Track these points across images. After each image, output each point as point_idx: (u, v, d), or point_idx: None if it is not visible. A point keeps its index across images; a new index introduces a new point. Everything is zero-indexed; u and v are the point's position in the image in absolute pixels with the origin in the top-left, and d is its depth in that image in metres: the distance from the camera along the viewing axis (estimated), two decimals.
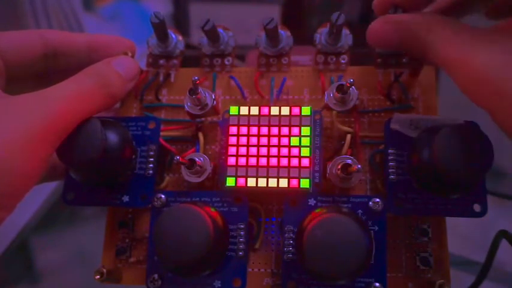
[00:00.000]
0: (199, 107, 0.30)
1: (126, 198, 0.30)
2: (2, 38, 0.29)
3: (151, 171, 0.30)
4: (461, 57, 0.23)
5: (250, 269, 0.29)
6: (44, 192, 0.59)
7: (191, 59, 0.35)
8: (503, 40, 0.23)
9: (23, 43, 0.30)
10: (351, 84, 0.27)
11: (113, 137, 0.28)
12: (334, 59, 0.32)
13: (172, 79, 0.34)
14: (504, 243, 0.29)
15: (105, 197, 0.30)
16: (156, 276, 0.28)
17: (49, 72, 0.32)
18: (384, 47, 0.30)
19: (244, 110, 0.29)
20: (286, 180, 0.28)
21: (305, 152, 0.28)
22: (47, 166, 0.25)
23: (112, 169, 0.28)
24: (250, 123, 0.29)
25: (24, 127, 0.23)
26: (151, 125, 0.31)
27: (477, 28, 0.24)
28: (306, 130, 0.28)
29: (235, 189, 0.28)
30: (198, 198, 0.29)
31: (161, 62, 0.34)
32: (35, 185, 0.25)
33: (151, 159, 0.30)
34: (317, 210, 0.27)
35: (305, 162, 0.28)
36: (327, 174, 0.28)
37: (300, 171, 0.28)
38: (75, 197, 0.30)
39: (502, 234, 0.29)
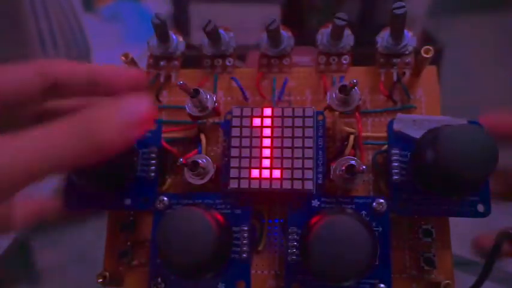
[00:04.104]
0: (200, 109, 0.29)
1: (128, 202, 0.29)
2: None
3: (153, 174, 0.30)
4: None
5: (253, 271, 0.29)
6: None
7: (192, 59, 0.35)
8: None
9: (19, 78, 0.27)
10: (354, 84, 0.27)
11: None
12: (336, 60, 0.32)
13: (173, 80, 0.34)
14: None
15: (107, 201, 0.30)
16: (159, 279, 0.28)
17: (50, 106, 0.30)
18: None
19: (246, 111, 0.29)
20: (290, 181, 0.28)
21: (308, 153, 0.28)
22: None
23: (113, 172, 0.28)
24: (253, 125, 0.29)
25: None
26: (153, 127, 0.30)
27: None
28: (309, 131, 0.28)
29: (238, 191, 0.28)
30: (200, 200, 0.29)
31: (162, 63, 0.34)
32: None
33: (153, 161, 0.30)
34: (321, 212, 0.27)
35: (308, 163, 0.28)
36: (331, 175, 0.28)
37: (303, 173, 0.28)
38: (76, 202, 0.30)
39: (504, 235, 0.29)
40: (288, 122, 0.29)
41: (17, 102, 0.27)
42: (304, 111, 0.29)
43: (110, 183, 0.29)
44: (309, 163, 0.28)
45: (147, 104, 0.25)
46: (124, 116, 0.24)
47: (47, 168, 0.22)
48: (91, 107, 0.24)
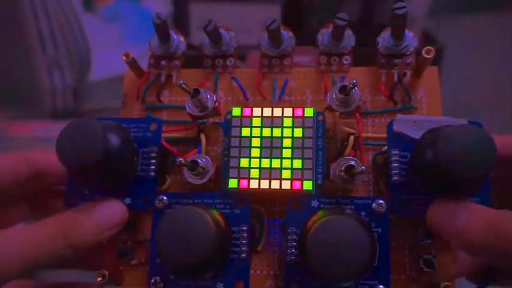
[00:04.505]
0: (200, 109, 0.29)
1: (128, 201, 0.29)
2: None
3: (153, 173, 0.30)
4: None
5: (252, 271, 0.29)
6: None
7: (193, 59, 0.35)
8: None
9: (6, 168, 0.29)
10: (354, 85, 0.27)
11: (113, 138, 0.27)
12: (337, 60, 0.32)
13: (174, 80, 0.33)
14: None
15: None
16: (158, 278, 0.28)
17: (39, 192, 0.32)
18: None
19: (246, 112, 0.29)
20: (289, 182, 0.28)
21: (308, 153, 0.28)
22: None
23: (113, 171, 0.28)
24: (253, 125, 0.29)
25: None
26: (153, 127, 0.30)
27: None
28: (308, 131, 0.28)
29: (237, 191, 0.28)
30: (200, 200, 0.29)
31: (163, 63, 0.34)
32: None
33: (153, 161, 0.30)
34: (320, 212, 0.27)
35: (308, 163, 0.28)
36: (330, 176, 0.28)
37: (302, 173, 0.28)
38: (77, 201, 0.30)
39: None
40: (288, 122, 0.29)
41: (6, 189, 0.29)
42: (304, 111, 0.29)
43: (110, 183, 0.29)
44: (308, 163, 0.28)
45: (119, 209, 0.29)
46: (97, 221, 0.27)
47: (28, 266, 0.25)
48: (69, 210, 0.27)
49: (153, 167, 0.30)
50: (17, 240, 0.25)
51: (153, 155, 0.30)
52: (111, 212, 0.28)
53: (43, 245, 0.25)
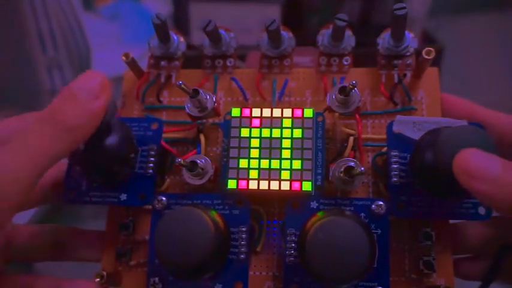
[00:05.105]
0: (199, 109, 0.29)
1: (123, 197, 0.29)
2: None
3: (151, 171, 0.30)
4: None
5: (251, 272, 0.29)
6: None
7: (193, 60, 0.35)
8: None
9: None
10: (354, 86, 0.27)
11: (113, 135, 0.28)
12: (337, 61, 0.32)
13: (173, 81, 0.33)
14: None
15: (104, 196, 0.30)
16: (156, 279, 0.28)
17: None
18: None
19: (246, 112, 0.29)
20: (288, 182, 0.28)
21: (307, 154, 0.28)
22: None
23: (111, 167, 0.28)
24: (252, 125, 0.29)
25: None
26: (154, 126, 0.30)
27: None
28: (308, 132, 0.28)
29: (236, 192, 0.28)
30: (199, 201, 0.29)
31: (162, 63, 0.34)
32: None
33: (152, 158, 0.30)
34: (319, 213, 0.27)
35: (307, 164, 0.28)
36: (330, 177, 0.27)
37: (302, 174, 0.28)
38: (75, 196, 0.30)
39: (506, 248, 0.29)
40: (288, 123, 0.29)
41: None
42: (303, 112, 0.29)
43: (107, 178, 0.29)
44: (308, 164, 0.28)
45: (95, 76, 0.26)
46: (81, 97, 0.25)
47: (44, 164, 0.24)
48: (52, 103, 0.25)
49: (151, 164, 0.30)
50: (16, 147, 0.23)
51: (152, 152, 0.30)
52: (89, 82, 0.26)
53: (43, 141, 0.24)
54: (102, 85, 0.26)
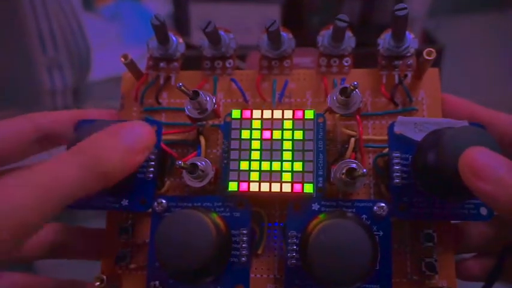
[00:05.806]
0: (199, 111, 0.29)
1: (125, 202, 0.29)
2: None
3: (151, 175, 0.29)
4: None
5: (252, 275, 0.29)
6: None
7: (192, 61, 0.34)
8: None
9: (14, 131, 0.29)
10: (355, 87, 0.26)
11: None
12: (337, 62, 0.32)
13: (172, 82, 0.33)
14: None
15: (105, 201, 0.29)
16: (157, 283, 0.28)
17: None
18: None
19: (246, 114, 0.29)
20: (290, 184, 0.27)
21: (308, 156, 0.28)
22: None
23: None
24: (253, 127, 0.29)
25: None
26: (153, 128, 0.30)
27: None
28: (309, 134, 0.28)
29: (237, 194, 0.28)
30: (199, 203, 0.29)
31: (162, 64, 0.33)
32: None
33: (152, 163, 0.30)
34: (321, 215, 0.27)
35: (308, 166, 0.27)
36: (331, 179, 0.27)
37: (303, 176, 0.27)
38: (76, 201, 0.30)
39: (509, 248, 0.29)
40: (288, 124, 0.28)
41: (16, 154, 0.29)
42: (304, 113, 0.28)
43: None
44: (309, 166, 0.27)
45: (147, 130, 0.25)
46: (127, 142, 0.24)
47: (58, 203, 0.21)
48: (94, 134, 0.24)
49: (151, 169, 0.29)
50: (46, 176, 0.21)
51: (152, 157, 0.30)
52: (140, 133, 0.25)
53: (71, 178, 0.22)
54: (149, 138, 0.25)
